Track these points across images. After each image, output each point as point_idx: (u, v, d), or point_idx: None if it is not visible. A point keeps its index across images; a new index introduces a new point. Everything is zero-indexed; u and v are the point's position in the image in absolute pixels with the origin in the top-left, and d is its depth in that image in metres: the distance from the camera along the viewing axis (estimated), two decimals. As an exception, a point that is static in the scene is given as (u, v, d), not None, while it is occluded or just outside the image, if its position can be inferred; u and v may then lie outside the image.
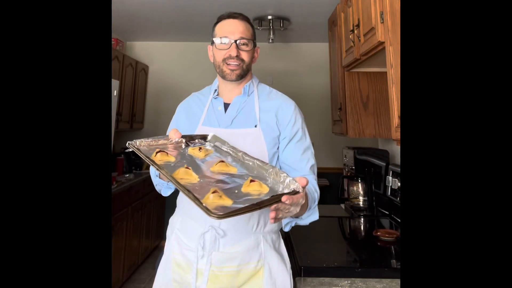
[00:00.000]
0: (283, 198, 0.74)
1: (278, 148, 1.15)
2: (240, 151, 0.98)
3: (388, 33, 1.29)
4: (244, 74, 1.16)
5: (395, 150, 2.12)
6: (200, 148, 0.99)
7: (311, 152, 1.18)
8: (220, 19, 1.22)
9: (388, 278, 1.15)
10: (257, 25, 3.37)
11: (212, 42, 1.19)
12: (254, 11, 3.15)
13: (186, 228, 1.15)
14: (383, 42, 1.34)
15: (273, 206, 0.75)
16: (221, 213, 0.68)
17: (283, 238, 1.23)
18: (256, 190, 0.79)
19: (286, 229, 1.10)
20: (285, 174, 0.83)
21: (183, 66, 4.31)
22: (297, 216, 1.05)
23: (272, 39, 3.45)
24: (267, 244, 1.12)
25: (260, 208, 0.73)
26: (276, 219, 0.78)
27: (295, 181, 0.80)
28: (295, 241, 1.47)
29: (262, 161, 0.92)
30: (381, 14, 1.34)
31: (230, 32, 1.14)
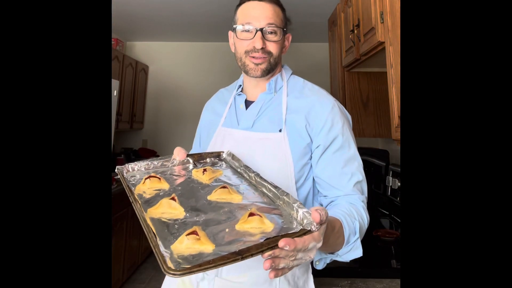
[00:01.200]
0: (280, 243, 0.53)
1: (310, 159, 0.92)
2: (253, 172, 0.79)
3: (388, 33, 1.29)
4: (271, 69, 0.95)
5: (395, 150, 2.12)
6: (204, 170, 0.81)
7: (357, 164, 0.92)
8: (244, 0, 0.97)
9: (388, 278, 1.15)
10: (257, 25, 3.37)
11: (234, 29, 0.97)
12: (254, 11, 3.15)
13: None
14: (383, 42, 1.34)
15: (266, 254, 0.54)
16: (178, 270, 0.49)
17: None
18: (256, 227, 0.60)
19: (319, 267, 0.86)
20: (299, 204, 0.63)
21: (183, 66, 4.31)
22: (332, 251, 0.81)
23: (272, 39, 3.45)
24: (285, 280, 0.87)
25: (242, 258, 0.51)
26: (278, 271, 0.57)
27: (309, 214, 0.59)
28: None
29: (275, 186, 0.72)
30: (381, 14, 1.33)
31: (255, 18, 0.92)
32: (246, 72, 0.96)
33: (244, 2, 0.97)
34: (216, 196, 0.72)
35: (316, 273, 1.17)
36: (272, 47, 0.94)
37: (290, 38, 1.05)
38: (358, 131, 1.97)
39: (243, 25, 0.93)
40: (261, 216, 0.61)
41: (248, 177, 0.80)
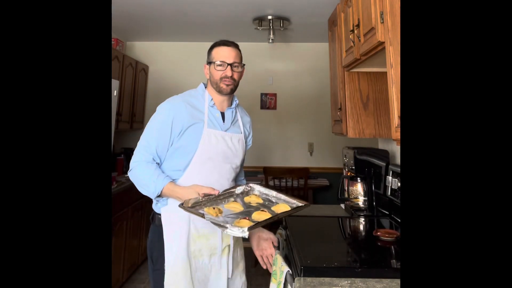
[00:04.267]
0: None
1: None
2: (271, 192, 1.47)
3: (388, 33, 1.29)
4: (235, 89, 1.50)
5: (395, 150, 2.12)
6: (213, 208, 1.24)
7: None
8: (215, 45, 1.50)
9: (388, 278, 1.15)
10: (257, 25, 3.37)
11: (209, 63, 1.48)
12: (254, 11, 3.15)
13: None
14: (383, 42, 1.34)
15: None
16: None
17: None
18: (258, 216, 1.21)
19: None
20: (291, 198, 1.39)
21: (183, 66, 4.31)
22: None
23: (272, 39, 3.44)
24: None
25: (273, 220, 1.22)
26: None
27: (299, 201, 1.35)
28: (295, 241, 1.47)
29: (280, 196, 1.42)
30: (381, 14, 1.33)
31: (226, 57, 1.45)
32: (220, 92, 1.47)
33: (216, 46, 1.49)
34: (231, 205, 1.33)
35: (316, 273, 1.17)
36: (236, 76, 1.48)
37: (244, 69, 1.54)
38: (358, 131, 1.97)
39: (219, 62, 1.45)
40: (264, 211, 1.24)
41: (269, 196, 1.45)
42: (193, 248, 1.38)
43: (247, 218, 1.18)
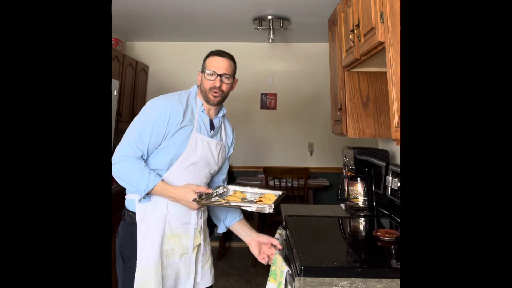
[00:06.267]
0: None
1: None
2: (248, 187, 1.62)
3: (388, 33, 1.29)
4: (222, 101, 1.50)
5: (395, 150, 2.12)
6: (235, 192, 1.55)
7: None
8: (210, 54, 1.50)
9: (388, 278, 1.15)
10: (257, 25, 3.37)
11: (203, 71, 1.48)
12: (254, 11, 3.14)
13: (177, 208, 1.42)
14: (383, 42, 1.34)
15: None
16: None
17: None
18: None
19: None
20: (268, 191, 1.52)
21: (183, 66, 4.31)
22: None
23: (272, 39, 3.45)
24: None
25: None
26: None
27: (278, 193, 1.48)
28: (295, 241, 1.47)
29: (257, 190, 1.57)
30: (381, 14, 1.33)
31: (217, 68, 1.45)
32: (207, 101, 1.47)
33: (211, 56, 1.49)
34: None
35: (316, 273, 1.17)
36: (225, 87, 1.47)
37: (237, 82, 1.57)
38: (358, 131, 1.97)
39: (210, 71, 1.45)
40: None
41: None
42: (166, 247, 1.41)
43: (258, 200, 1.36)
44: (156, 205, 1.41)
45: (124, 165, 1.38)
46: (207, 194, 1.37)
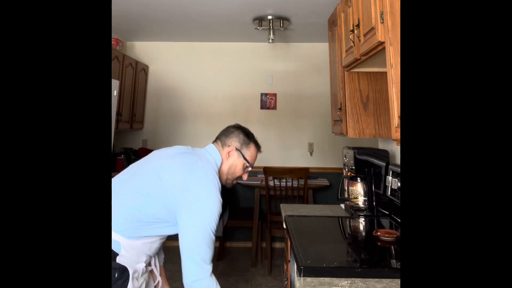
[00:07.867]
0: None
1: None
2: None
3: (388, 33, 1.29)
4: None
5: (395, 150, 2.12)
6: None
7: None
8: (256, 144, 1.48)
9: (388, 278, 1.15)
10: (257, 25, 3.36)
11: (242, 155, 1.41)
12: (254, 11, 3.14)
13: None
14: (383, 42, 1.34)
15: None
16: None
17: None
18: None
19: None
20: None
21: (183, 66, 4.31)
22: None
23: (272, 39, 3.44)
24: None
25: None
26: None
27: None
28: (295, 241, 1.47)
29: None
30: (381, 14, 1.33)
31: (254, 163, 1.46)
32: (225, 184, 1.42)
33: (255, 147, 1.46)
34: None
35: (316, 273, 1.17)
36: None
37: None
38: (358, 131, 1.97)
39: (251, 165, 1.44)
40: None
41: None
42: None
43: None
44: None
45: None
46: None
